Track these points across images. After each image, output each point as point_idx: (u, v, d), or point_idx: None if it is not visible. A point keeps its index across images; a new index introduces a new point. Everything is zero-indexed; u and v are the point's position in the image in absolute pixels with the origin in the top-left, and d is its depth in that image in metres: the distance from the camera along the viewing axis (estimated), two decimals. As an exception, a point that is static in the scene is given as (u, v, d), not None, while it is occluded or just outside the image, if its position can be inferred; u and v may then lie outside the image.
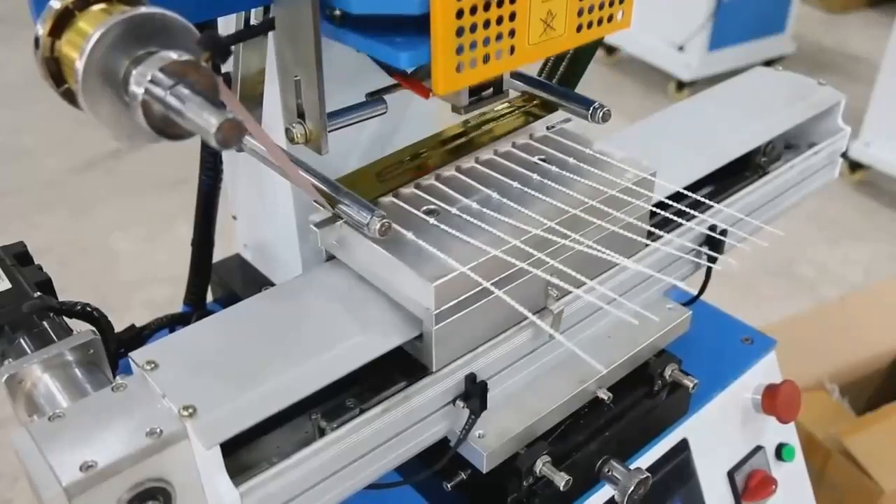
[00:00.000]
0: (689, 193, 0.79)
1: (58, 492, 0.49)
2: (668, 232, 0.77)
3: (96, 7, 0.47)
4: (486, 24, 0.58)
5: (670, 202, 0.76)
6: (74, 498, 0.49)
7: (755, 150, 0.95)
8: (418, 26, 0.57)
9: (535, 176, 0.74)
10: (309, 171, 0.66)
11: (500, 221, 0.67)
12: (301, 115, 0.65)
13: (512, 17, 0.60)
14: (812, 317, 1.85)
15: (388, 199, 0.71)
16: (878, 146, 2.89)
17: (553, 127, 0.82)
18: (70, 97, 0.48)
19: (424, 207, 0.69)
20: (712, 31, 3.42)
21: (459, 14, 0.56)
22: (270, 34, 0.67)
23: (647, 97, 3.63)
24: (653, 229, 0.73)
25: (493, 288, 0.63)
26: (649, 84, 3.70)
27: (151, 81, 0.45)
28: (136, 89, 0.45)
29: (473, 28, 0.58)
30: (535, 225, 0.67)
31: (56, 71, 0.48)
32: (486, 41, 0.59)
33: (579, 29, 0.66)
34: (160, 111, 0.45)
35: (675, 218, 0.74)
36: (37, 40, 0.48)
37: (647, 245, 0.75)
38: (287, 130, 0.66)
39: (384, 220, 0.62)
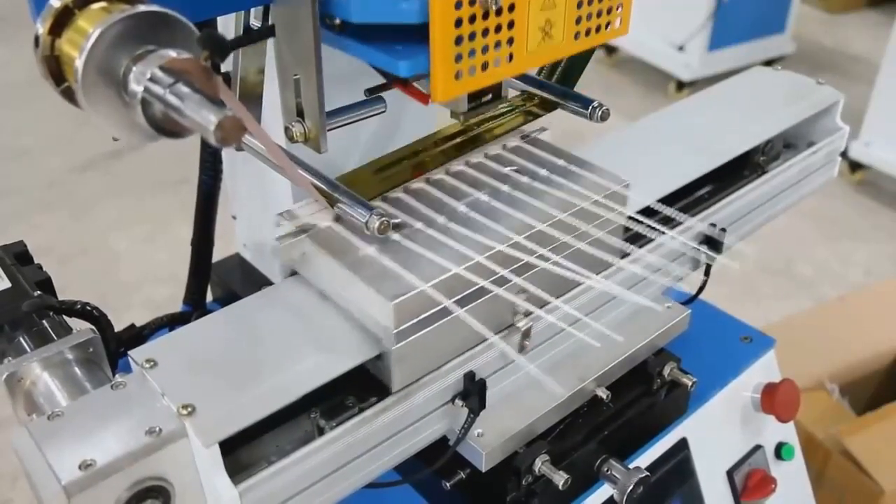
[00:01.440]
0: (662, 208, 0.75)
1: (57, 490, 0.49)
2: (641, 246, 0.75)
3: (96, 5, 0.47)
4: (485, 33, 0.59)
5: (639, 218, 0.73)
6: (73, 496, 0.49)
7: (754, 150, 0.95)
8: (417, 35, 0.58)
9: (504, 188, 0.72)
10: (308, 169, 0.66)
11: (465, 237, 0.65)
12: (300, 114, 0.65)
13: (510, 25, 0.60)
14: (812, 317, 1.85)
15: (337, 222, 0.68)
16: (878, 146, 2.89)
17: (527, 136, 0.81)
18: (70, 96, 0.48)
19: (388, 223, 0.66)
20: (712, 31, 3.42)
21: (458, 23, 0.57)
22: (270, 33, 0.67)
23: (647, 97, 3.63)
24: (625, 245, 0.72)
25: (453, 307, 0.60)
26: (649, 84, 3.70)
27: (151, 79, 0.45)
28: (136, 87, 0.45)
29: (472, 37, 0.58)
30: (502, 240, 0.65)
31: (56, 69, 0.48)
32: (485, 49, 0.60)
33: (577, 36, 0.66)
34: (160, 109, 0.45)
35: (647, 233, 0.71)
36: (37, 39, 0.48)
37: (618, 261, 0.71)
38: (286, 129, 0.66)
39: (383, 219, 0.62)
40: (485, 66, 0.60)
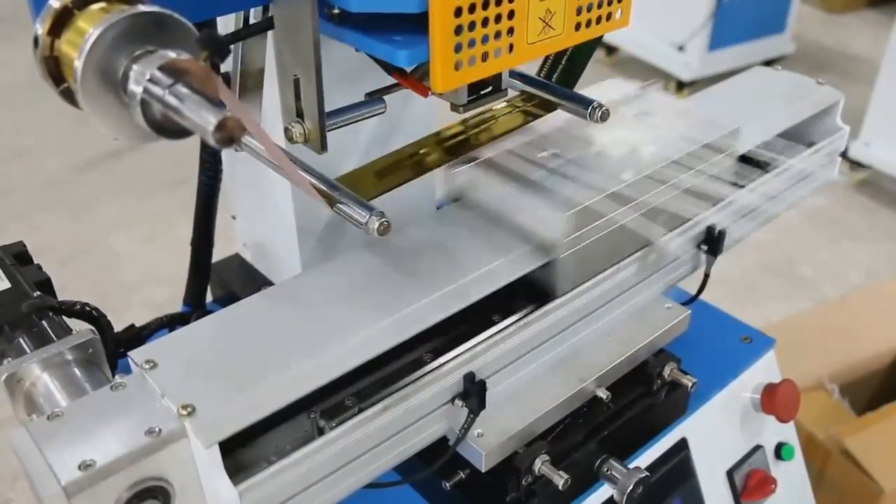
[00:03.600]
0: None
1: (57, 491, 0.49)
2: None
3: (95, 6, 0.47)
4: (485, 23, 0.59)
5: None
6: (73, 497, 0.49)
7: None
8: (417, 24, 0.57)
9: (635, 128, 0.82)
10: (308, 170, 0.66)
11: (611, 164, 0.76)
12: (300, 115, 0.65)
13: (510, 15, 0.60)
14: (812, 317, 1.85)
15: (500, 151, 0.77)
16: (878, 146, 2.89)
17: (645, 86, 0.91)
18: (69, 96, 0.48)
19: (540, 154, 0.78)
20: (712, 31, 3.42)
21: (458, 12, 0.56)
22: (270, 33, 0.67)
23: (647, 97, 3.62)
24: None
25: (619, 215, 0.72)
26: (649, 84, 3.69)
27: (150, 80, 0.45)
28: (135, 88, 0.45)
29: (472, 26, 0.58)
30: (646, 167, 0.76)
31: (55, 70, 0.48)
32: (485, 39, 0.59)
33: (577, 27, 0.66)
34: (159, 110, 0.45)
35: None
36: (36, 39, 0.48)
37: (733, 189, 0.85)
38: (286, 129, 0.66)
39: (383, 220, 0.62)
40: (485, 57, 0.60)
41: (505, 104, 0.82)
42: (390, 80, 0.70)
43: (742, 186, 0.86)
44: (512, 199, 0.73)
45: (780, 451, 0.99)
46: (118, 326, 0.75)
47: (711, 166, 0.81)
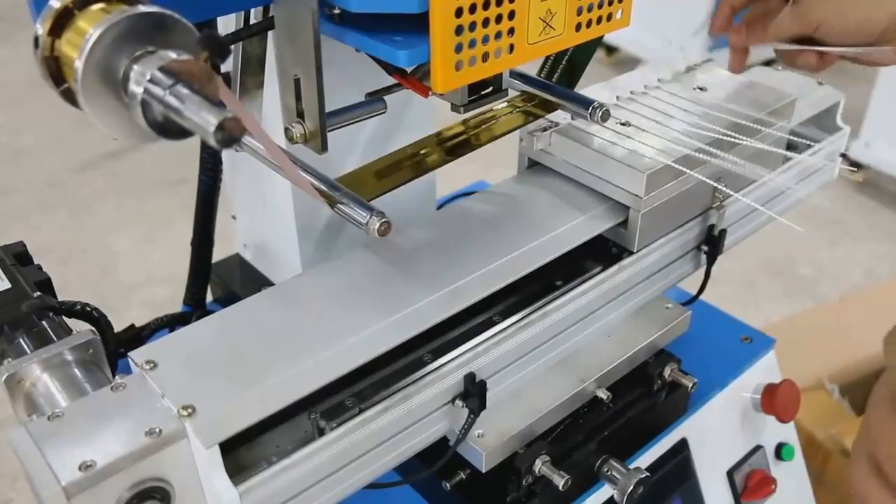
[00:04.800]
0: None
1: (57, 491, 0.49)
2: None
3: (96, 6, 0.47)
4: (486, 23, 0.59)
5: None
6: (73, 497, 0.49)
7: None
8: (417, 24, 0.58)
9: (698, 99, 0.88)
10: (308, 170, 0.66)
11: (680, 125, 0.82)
12: (300, 115, 0.65)
13: (511, 15, 0.60)
14: (812, 317, 1.85)
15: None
16: (878, 146, 2.89)
17: (701, 63, 0.97)
18: (70, 97, 0.48)
19: (617, 121, 0.83)
20: (712, 31, 3.42)
21: (458, 13, 0.56)
22: (270, 33, 0.67)
23: (647, 97, 3.62)
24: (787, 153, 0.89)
25: (696, 175, 0.77)
26: (649, 84, 3.69)
27: (151, 81, 0.45)
28: (136, 88, 0.45)
29: (472, 27, 0.58)
30: (711, 131, 0.81)
31: (56, 70, 0.48)
32: (486, 40, 0.59)
33: (578, 28, 0.66)
34: (160, 110, 0.45)
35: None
36: (36, 40, 0.47)
37: (786, 160, 0.91)
38: (286, 130, 0.66)
39: (383, 220, 0.62)
40: (485, 57, 0.60)
41: (505, 104, 0.82)
42: (390, 80, 0.70)
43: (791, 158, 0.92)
44: (591, 161, 0.79)
45: (780, 451, 0.99)
46: (118, 326, 0.75)
47: (769, 134, 0.86)
